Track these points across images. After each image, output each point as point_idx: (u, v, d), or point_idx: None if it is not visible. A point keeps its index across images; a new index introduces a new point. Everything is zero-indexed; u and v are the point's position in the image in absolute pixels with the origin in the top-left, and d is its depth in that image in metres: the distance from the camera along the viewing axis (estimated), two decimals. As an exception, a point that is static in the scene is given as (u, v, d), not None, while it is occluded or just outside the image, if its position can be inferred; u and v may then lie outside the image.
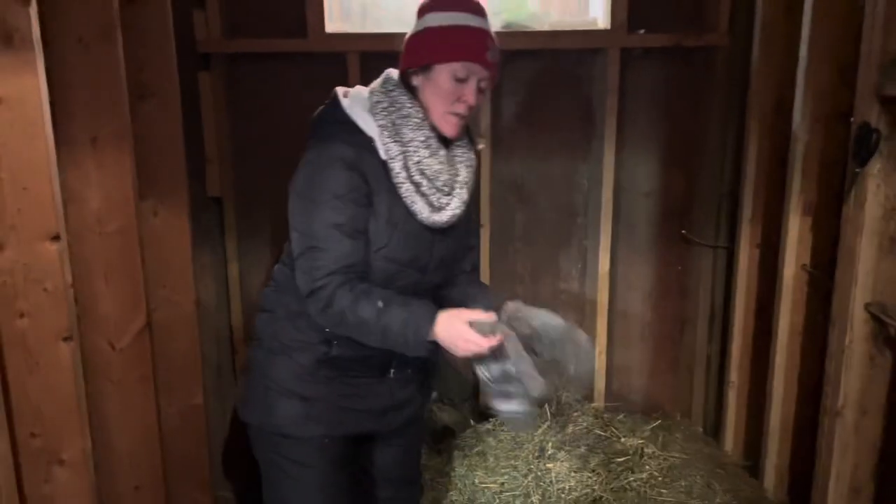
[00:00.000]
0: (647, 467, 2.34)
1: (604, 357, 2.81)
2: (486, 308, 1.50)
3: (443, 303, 1.60)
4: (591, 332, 2.79)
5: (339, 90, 1.58)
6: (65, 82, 1.57)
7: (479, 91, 1.55)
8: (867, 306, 1.87)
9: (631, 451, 2.41)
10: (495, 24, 2.53)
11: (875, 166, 1.80)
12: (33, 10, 1.25)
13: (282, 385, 1.61)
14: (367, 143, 1.51)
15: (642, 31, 2.54)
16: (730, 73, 2.58)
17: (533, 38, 2.53)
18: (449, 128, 1.55)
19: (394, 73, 1.59)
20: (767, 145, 2.40)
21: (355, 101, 1.56)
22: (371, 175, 1.50)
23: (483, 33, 1.52)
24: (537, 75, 2.64)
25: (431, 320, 1.45)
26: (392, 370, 1.65)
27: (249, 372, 1.70)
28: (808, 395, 2.25)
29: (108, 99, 1.66)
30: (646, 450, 2.42)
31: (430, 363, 1.71)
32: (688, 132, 2.70)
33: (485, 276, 2.71)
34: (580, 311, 2.85)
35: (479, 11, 1.55)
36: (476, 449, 2.48)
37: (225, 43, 2.42)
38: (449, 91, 1.52)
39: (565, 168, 2.73)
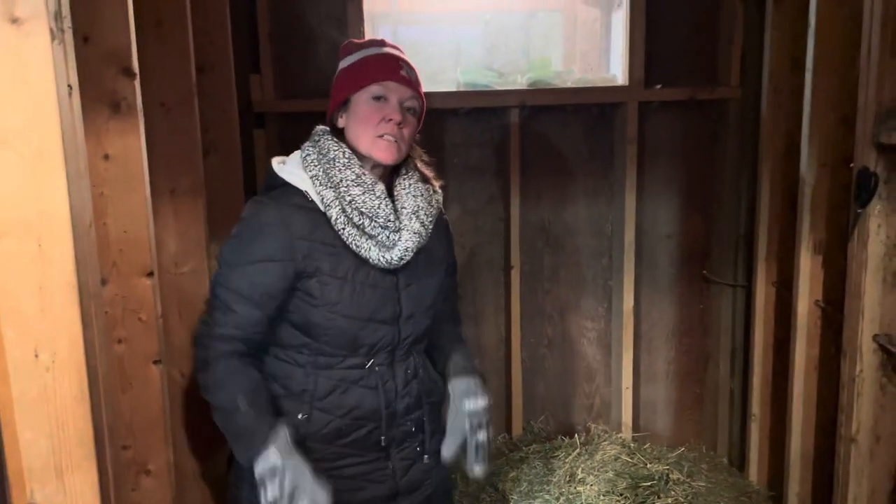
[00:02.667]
0: (673, 493, 2.43)
1: (630, 392, 2.91)
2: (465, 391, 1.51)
3: (436, 364, 1.61)
4: (618, 369, 2.93)
5: (276, 159, 1.55)
6: (150, 141, 1.70)
7: (409, 114, 1.50)
8: (875, 337, 1.96)
9: (657, 477, 2.51)
10: (523, 83, 2.77)
11: (875, 207, 1.91)
12: (137, 82, 1.46)
13: None
14: (302, 200, 1.46)
15: (659, 87, 2.72)
16: (742, 123, 2.74)
17: (558, 94, 2.73)
18: (382, 152, 1.47)
19: (322, 126, 1.56)
20: (779, 189, 2.54)
21: (290, 162, 1.52)
22: (303, 235, 1.43)
23: (392, 56, 1.50)
24: (562, 128, 2.82)
25: (264, 443, 1.34)
26: (383, 437, 1.50)
27: (234, 462, 1.58)
28: (826, 425, 2.32)
29: (185, 155, 1.83)
30: (671, 476, 2.52)
31: (433, 421, 1.59)
32: (704, 178, 2.86)
33: (515, 315, 2.87)
34: (606, 348, 2.99)
35: (387, 44, 1.54)
36: (511, 475, 2.59)
37: (277, 104, 2.64)
38: (370, 113, 1.47)
39: (589, 213, 2.89)
